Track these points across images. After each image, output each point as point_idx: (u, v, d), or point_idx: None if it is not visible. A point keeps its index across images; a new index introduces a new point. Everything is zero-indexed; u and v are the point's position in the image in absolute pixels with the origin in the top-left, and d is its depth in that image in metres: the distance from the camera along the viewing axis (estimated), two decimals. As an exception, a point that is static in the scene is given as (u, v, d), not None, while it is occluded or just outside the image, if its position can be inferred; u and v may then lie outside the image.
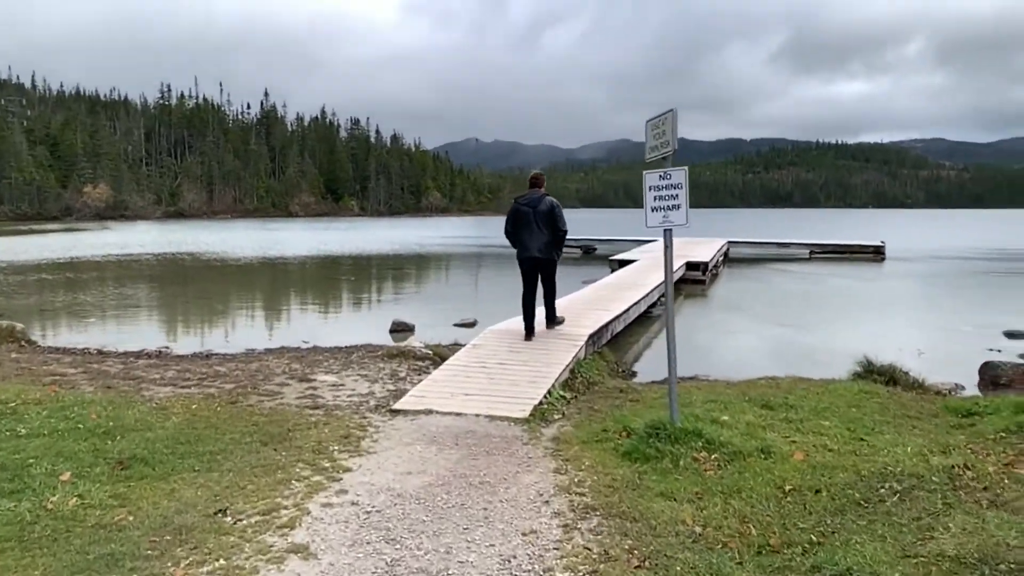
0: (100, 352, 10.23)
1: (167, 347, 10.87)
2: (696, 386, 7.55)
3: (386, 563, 3.59)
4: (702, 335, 12.73)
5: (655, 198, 5.42)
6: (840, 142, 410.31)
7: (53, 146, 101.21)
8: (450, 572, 3.50)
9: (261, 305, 17.58)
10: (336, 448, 5.40)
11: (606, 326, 9.70)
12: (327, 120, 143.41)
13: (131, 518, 4.09)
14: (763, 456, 4.98)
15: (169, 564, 3.55)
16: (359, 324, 14.15)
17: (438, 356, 9.52)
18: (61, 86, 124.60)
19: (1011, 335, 11.67)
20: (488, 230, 65.26)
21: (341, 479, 4.75)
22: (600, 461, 5.05)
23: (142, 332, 12.83)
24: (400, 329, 12.50)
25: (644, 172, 5.46)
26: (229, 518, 4.10)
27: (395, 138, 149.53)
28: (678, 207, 5.32)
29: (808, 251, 30.88)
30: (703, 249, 23.89)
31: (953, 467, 4.49)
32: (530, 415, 6.24)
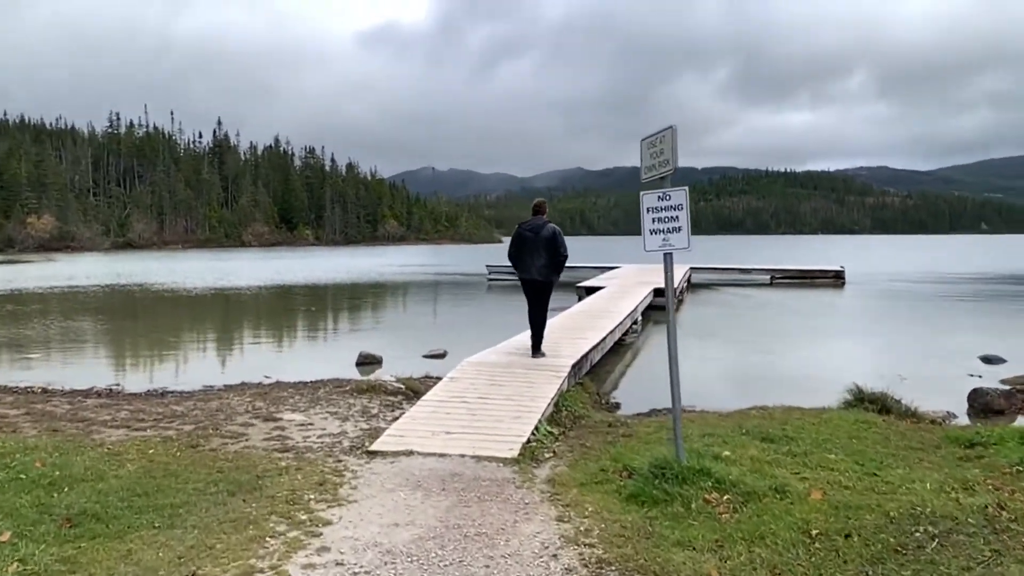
0: (45, 391, 9.52)
1: (118, 385, 10.18)
2: (688, 418, 7.19)
3: (383, 638, 3.12)
4: (681, 364, 12.44)
5: (654, 220, 5.09)
6: (789, 170, 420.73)
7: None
8: (458, 647, 3.06)
9: (217, 338, 16.84)
10: (312, 497, 4.90)
11: (586, 356, 9.35)
12: (281, 149, 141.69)
13: (81, 589, 3.56)
14: (779, 496, 4.63)
15: (128, 648, 3.04)
16: (322, 357, 13.56)
17: (411, 390, 9.05)
18: (4, 114, 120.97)
19: (987, 360, 11.63)
20: (447, 258, 64.86)
21: (321, 534, 4.26)
22: (604, 506, 4.65)
23: (90, 369, 12.08)
24: (367, 362, 11.97)
25: (641, 193, 5.14)
26: (197, 586, 3.59)
27: (351, 167, 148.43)
28: (679, 229, 5.00)
29: (769, 276, 31.10)
30: (668, 275, 23.79)
31: (986, 507, 4.19)
32: (519, 454, 5.81)
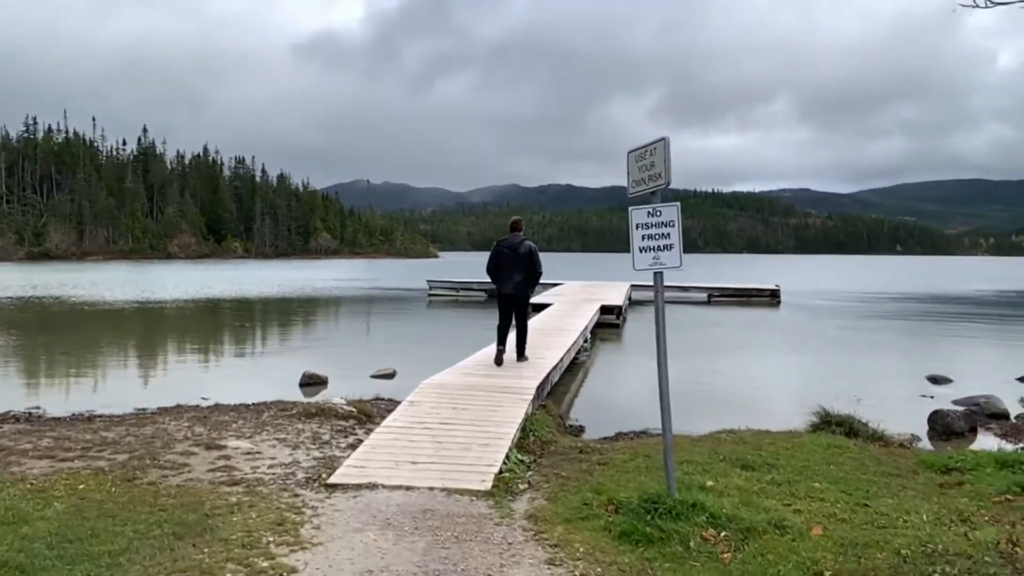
0: (-47, 416, 8.66)
1: (38, 408, 9.36)
2: (659, 442, 6.91)
3: None
4: (635, 384, 12.26)
5: (643, 237, 4.81)
6: (716, 191, 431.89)
7: None
8: None
9: (145, 356, 15.88)
10: (271, 539, 4.41)
11: (547, 377, 9.01)
12: (210, 158, 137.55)
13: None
14: (778, 532, 4.37)
15: None
16: (262, 376, 12.86)
17: (363, 414, 8.56)
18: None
19: (934, 380, 11.79)
20: (384, 273, 63.85)
21: (287, 585, 3.79)
22: (596, 546, 4.30)
23: (3, 391, 11.12)
24: (312, 382, 11.37)
25: (630, 208, 4.85)
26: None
27: (282, 177, 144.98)
28: (670, 247, 4.73)
29: (707, 295, 31.46)
30: (613, 293, 23.78)
31: (998, 543, 4.01)
32: (493, 486, 5.42)
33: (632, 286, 29.94)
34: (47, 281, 43.48)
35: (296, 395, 10.52)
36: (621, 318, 20.06)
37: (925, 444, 8.01)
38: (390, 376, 12.03)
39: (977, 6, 4.81)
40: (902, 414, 9.26)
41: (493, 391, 7.90)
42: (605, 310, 19.31)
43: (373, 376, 12.00)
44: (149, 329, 21.21)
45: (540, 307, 19.73)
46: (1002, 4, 4.80)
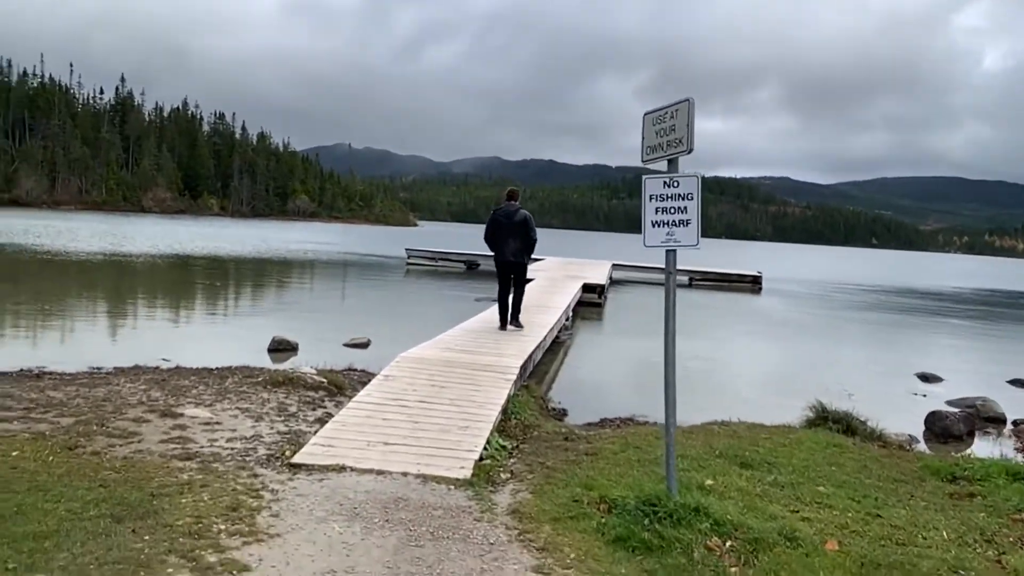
0: None
1: (-17, 361, 8.71)
2: (652, 434, 6.49)
3: None
4: (618, 366, 11.87)
5: (657, 210, 4.31)
6: (698, 175, 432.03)
7: None
8: None
9: (107, 312, 15.18)
10: (223, 527, 3.90)
11: (530, 356, 8.54)
12: (189, 112, 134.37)
13: None
14: (790, 544, 3.95)
15: None
16: (229, 339, 12.27)
17: (333, 385, 8.04)
18: None
19: (924, 377, 11.50)
20: (362, 239, 62.91)
21: (236, 586, 3.30)
22: (588, 551, 3.85)
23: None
24: (281, 348, 10.81)
25: (644, 178, 4.35)
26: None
27: (262, 136, 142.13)
28: (687, 223, 4.25)
29: (688, 278, 31.11)
30: (595, 271, 23.34)
31: (1038, 570, 3.61)
32: (473, 475, 4.95)
33: (614, 265, 29.56)
34: (11, 227, 42.14)
35: (264, 361, 9.97)
36: (603, 297, 19.63)
37: (922, 446, 7.68)
38: (364, 346, 11.50)
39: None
40: (896, 412, 8.93)
41: (475, 368, 7.41)
42: (587, 288, 18.87)
43: (346, 345, 11.47)
44: (115, 283, 20.42)
45: (522, 281, 19.26)
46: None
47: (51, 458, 4.88)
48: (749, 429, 7.00)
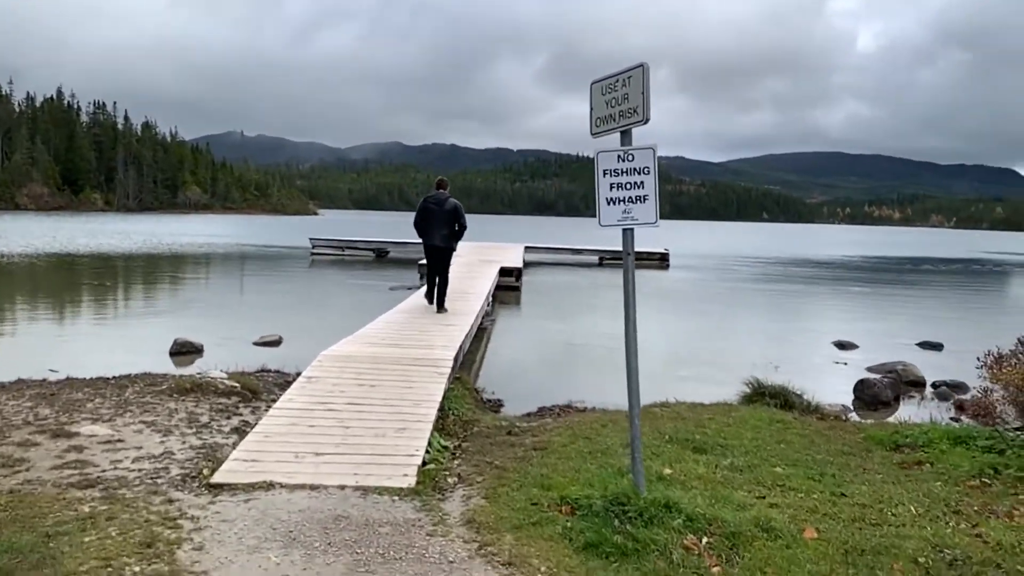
0: None
1: None
2: (594, 420, 6.22)
3: None
4: (544, 350, 11.60)
5: (612, 186, 3.97)
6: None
7: None
8: None
9: (-17, 318, 13.79)
10: (137, 570, 3.36)
11: (460, 346, 8.12)
12: (65, 102, 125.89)
13: None
14: (767, 535, 3.72)
15: None
16: (126, 344, 11.28)
17: (247, 389, 7.41)
18: None
19: (841, 345, 11.76)
20: (260, 230, 60.54)
21: (160, 645, 2.78)
22: (559, 562, 3.50)
23: None
24: (185, 351, 9.99)
25: (597, 152, 4.00)
26: None
27: (147, 126, 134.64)
28: (644, 199, 3.93)
29: (598, 257, 31.32)
30: (509, 254, 23.07)
31: (1020, 544, 3.51)
32: (418, 482, 4.53)
33: (526, 248, 29.39)
34: None
35: (167, 366, 9.18)
36: (519, 280, 19.39)
37: (854, 415, 7.73)
38: (275, 343, 10.81)
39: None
40: (823, 382, 9.02)
41: (405, 364, 6.93)
42: (504, 272, 18.57)
43: (256, 343, 10.75)
44: (-10, 288, 18.68)
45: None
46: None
47: (-81, 499, 4.16)
48: (691, 409, 6.84)
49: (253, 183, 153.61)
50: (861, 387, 8.34)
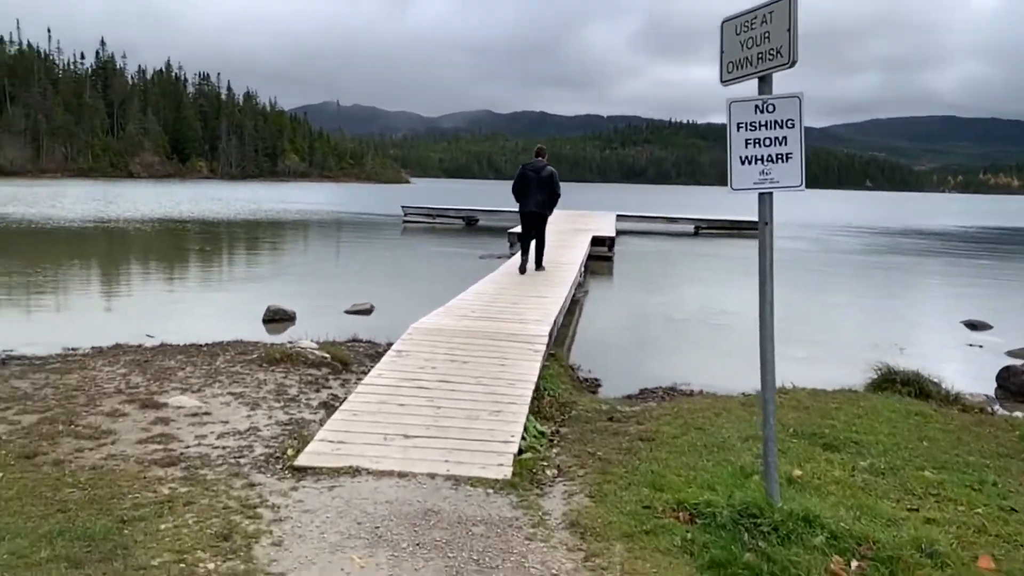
0: None
1: (-56, 346, 7.81)
2: (704, 406, 5.65)
3: None
4: (642, 327, 10.99)
5: (747, 142, 3.37)
6: (691, 122, 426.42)
7: None
8: None
9: (90, 283, 14.23)
10: (211, 568, 3.06)
11: (555, 320, 7.65)
12: (173, 75, 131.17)
13: None
14: (931, 561, 3.11)
15: None
16: (220, 310, 11.36)
17: (338, 360, 7.18)
18: None
19: (972, 325, 10.67)
20: (355, 197, 61.57)
21: (229, 664, 2.45)
22: (680, 582, 3.01)
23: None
24: (277, 318, 9.92)
25: (730, 102, 3.40)
26: None
27: (249, 96, 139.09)
28: (787, 157, 3.31)
29: (694, 226, 30.19)
30: (602, 223, 22.39)
31: None
32: (515, 473, 4.11)
33: (618, 216, 28.57)
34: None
35: (259, 333, 9.11)
36: (612, 250, 18.73)
37: (999, 408, 6.85)
38: (367, 312, 10.61)
39: None
40: (958, 368, 8.12)
41: (498, 339, 6.52)
42: (596, 241, 17.94)
43: (348, 312, 10.57)
44: (99, 252, 19.41)
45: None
46: None
47: (1, 474, 4.02)
48: (812, 397, 6.16)
49: (348, 152, 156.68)
50: (1007, 375, 7.41)
